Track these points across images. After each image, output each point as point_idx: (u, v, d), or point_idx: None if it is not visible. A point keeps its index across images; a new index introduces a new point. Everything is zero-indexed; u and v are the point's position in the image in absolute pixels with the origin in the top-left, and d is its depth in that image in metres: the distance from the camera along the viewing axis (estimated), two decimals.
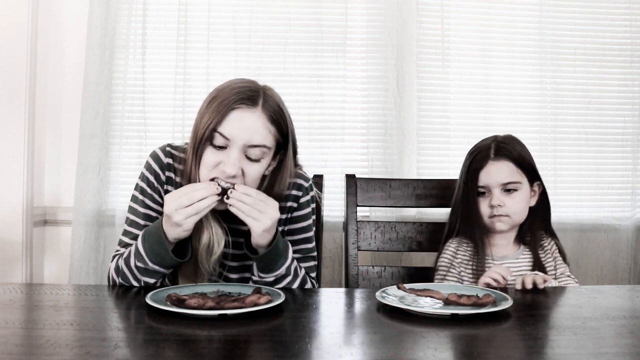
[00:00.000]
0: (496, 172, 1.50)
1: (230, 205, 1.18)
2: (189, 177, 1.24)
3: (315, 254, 1.42)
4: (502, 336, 0.97)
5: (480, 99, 2.18)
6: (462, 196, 1.56)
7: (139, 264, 1.22)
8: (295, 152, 1.35)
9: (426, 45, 2.15)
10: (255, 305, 1.04)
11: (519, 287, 1.33)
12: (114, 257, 1.31)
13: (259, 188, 1.27)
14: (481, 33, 2.18)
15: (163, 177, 1.34)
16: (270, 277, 1.26)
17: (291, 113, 2.06)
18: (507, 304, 1.08)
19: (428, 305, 1.11)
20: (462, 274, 1.54)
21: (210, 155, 1.21)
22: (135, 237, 1.28)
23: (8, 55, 2.02)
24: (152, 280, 1.24)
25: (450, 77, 2.16)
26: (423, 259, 2.11)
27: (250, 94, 1.21)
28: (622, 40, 2.21)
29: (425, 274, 1.78)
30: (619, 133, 2.21)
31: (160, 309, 1.02)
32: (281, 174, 1.29)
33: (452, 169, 2.14)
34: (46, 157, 2.16)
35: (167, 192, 1.34)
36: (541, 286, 1.32)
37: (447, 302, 1.12)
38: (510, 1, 2.19)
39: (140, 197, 1.34)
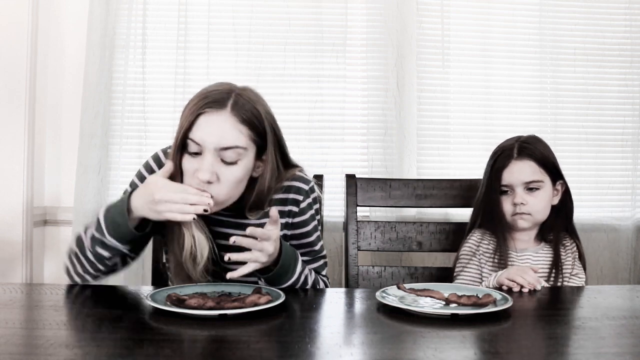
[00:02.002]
0: (519, 171, 1.52)
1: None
2: None
3: (324, 252, 1.42)
4: (503, 336, 0.97)
5: (480, 99, 2.17)
6: (485, 194, 1.58)
7: (96, 235, 1.21)
8: (282, 151, 1.32)
9: (426, 45, 2.15)
10: (255, 305, 1.04)
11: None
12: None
13: (247, 190, 1.26)
14: (481, 33, 2.18)
15: None
16: (277, 288, 1.27)
17: (291, 113, 2.10)
18: (507, 304, 1.08)
19: (428, 305, 1.11)
20: (483, 263, 1.54)
21: (187, 164, 1.20)
22: None
23: (8, 55, 2.01)
24: (106, 254, 1.22)
25: (450, 77, 2.16)
26: (423, 259, 2.11)
27: (217, 97, 1.19)
28: (622, 40, 2.20)
29: (426, 274, 1.78)
30: (619, 133, 2.21)
31: (160, 309, 1.02)
32: (263, 172, 1.27)
33: (452, 169, 2.14)
34: (46, 157, 2.16)
35: None
36: (516, 289, 1.30)
37: (448, 302, 1.12)
38: (510, 1, 2.19)
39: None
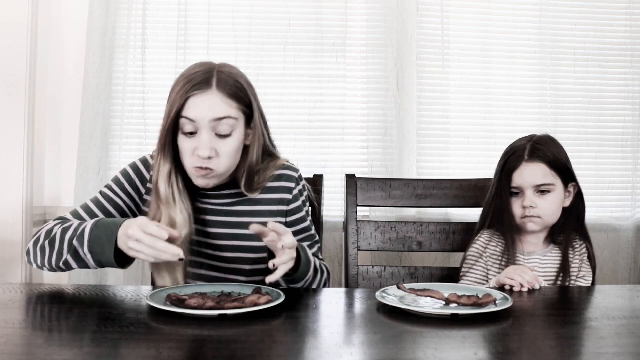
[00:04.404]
0: (529, 174, 1.50)
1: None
2: (157, 171, 1.27)
3: (317, 237, 1.46)
4: (502, 336, 0.97)
5: (480, 99, 2.18)
6: (495, 195, 1.57)
7: (75, 243, 1.18)
8: (265, 121, 1.37)
9: (426, 45, 2.15)
10: (255, 305, 1.04)
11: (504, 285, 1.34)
12: (59, 219, 1.30)
13: (242, 161, 1.31)
14: (481, 33, 2.18)
15: (143, 190, 1.37)
16: (299, 285, 1.28)
17: (291, 113, 2.10)
18: (508, 304, 1.08)
19: (428, 305, 1.11)
20: (489, 266, 1.54)
21: (185, 144, 1.25)
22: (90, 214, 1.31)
23: (8, 55, 2.01)
24: (74, 265, 1.20)
25: (450, 77, 2.16)
26: (423, 259, 2.11)
27: (202, 78, 1.24)
28: (622, 40, 2.21)
29: (426, 274, 1.78)
30: (619, 133, 2.21)
31: (160, 309, 1.02)
32: (252, 141, 1.32)
33: (452, 169, 2.15)
34: (46, 157, 2.16)
35: (145, 202, 1.36)
36: (517, 288, 1.30)
37: (448, 302, 1.12)
38: (510, 1, 2.19)
39: (110, 191, 1.35)
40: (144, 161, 1.38)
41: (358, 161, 2.16)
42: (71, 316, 1.05)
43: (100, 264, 1.19)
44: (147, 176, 1.36)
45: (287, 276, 1.24)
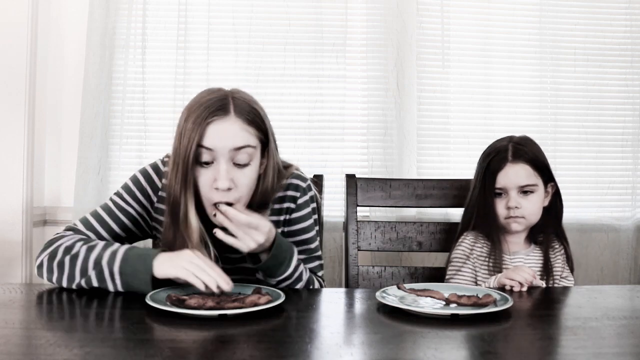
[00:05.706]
0: (514, 175, 1.50)
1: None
2: (177, 202, 1.21)
3: (319, 252, 1.42)
4: (503, 336, 0.97)
5: (480, 99, 2.18)
6: (477, 196, 1.56)
7: (103, 263, 1.16)
8: (277, 150, 1.33)
9: (426, 45, 2.15)
10: (255, 305, 1.04)
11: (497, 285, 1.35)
12: (70, 229, 1.28)
13: (256, 189, 1.26)
14: (481, 33, 2.18)
15: (154, 198, 1.33)
16: (272, 281, 1.27)
17: (291, 113, 2.10)
18: (508, 304, 1.08)
19: (428, 305, 1.11)
20: (477, 266, 1.54)
21: (203, 176, 1.20)
22: (90, 229, 1.28)
23: (8, 55, 2.01)
24: (92, 280, 1.18)
25: (450, 77, 2.16)
26: (423, 259, 2.11)
27: (219, 105, 1.20)
28: (622, 40, 2.21)
29: (426, 274, 1.78)
30: (619, 133, 2.21)
31: (160, 309, 1.02)
32: (266, 169, 1.28)
33: (452, 169, 2.15)
34: (46, 157, 2.16)
35: (156, 210, 1.33)
36: (517, 288, 1.31)
37: (448, 302, 1.12)
38: (510, 1, 2.19)
39: (120, 199, 1.32)
40: (155, 167, 1.34)
41: (358, 161, 2.16)
42: (71, 316, 1.05)
43: (128, 285, 1.16)
44: (159, 183, 1.32)
45: (254, 263, 1.24)
